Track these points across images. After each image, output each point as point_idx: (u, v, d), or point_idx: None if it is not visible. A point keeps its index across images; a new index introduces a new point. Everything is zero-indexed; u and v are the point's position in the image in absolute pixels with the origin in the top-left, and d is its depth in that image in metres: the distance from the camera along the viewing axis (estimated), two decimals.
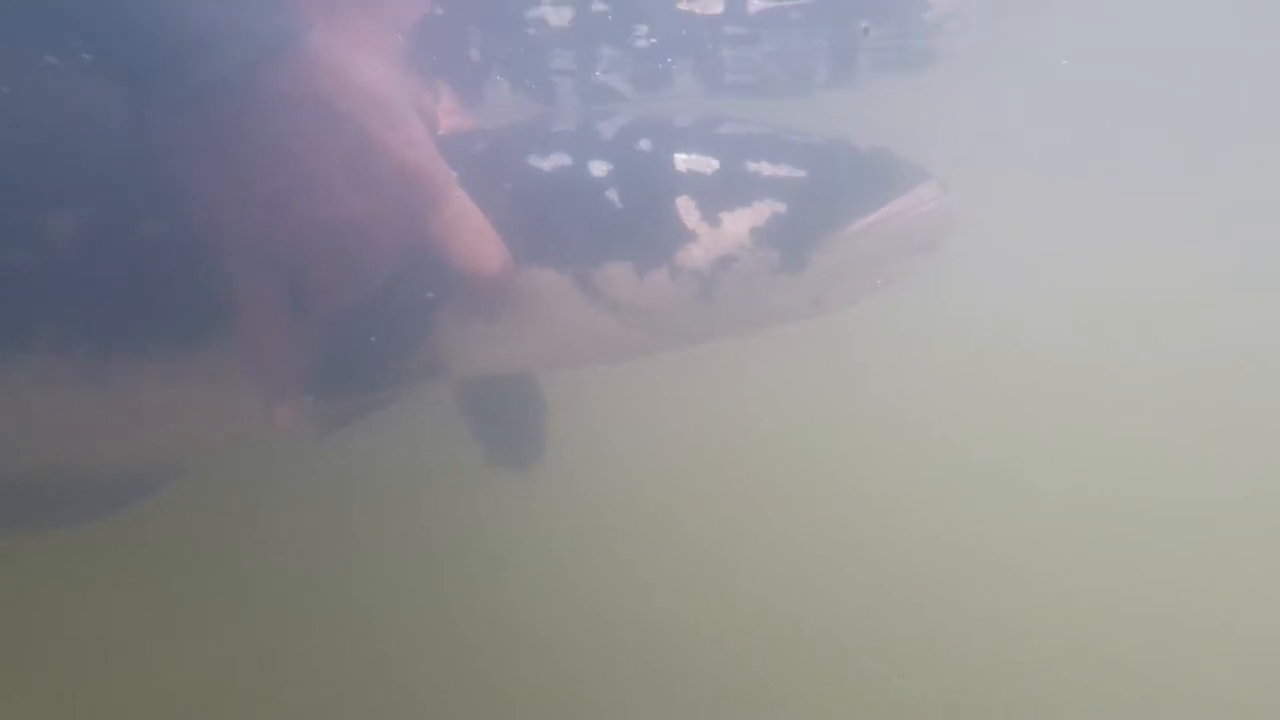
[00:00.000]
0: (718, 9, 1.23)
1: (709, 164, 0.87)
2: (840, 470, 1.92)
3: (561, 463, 1.48)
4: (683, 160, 0.87)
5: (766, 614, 1.66)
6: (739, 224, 0.86)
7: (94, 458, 0.96)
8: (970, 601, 1.71)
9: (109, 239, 0.84)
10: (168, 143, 0.74)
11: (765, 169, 0.88)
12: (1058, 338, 2.32)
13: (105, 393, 0.87)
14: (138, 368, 0.87)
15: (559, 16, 1.16)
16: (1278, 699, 1.62)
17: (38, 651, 1.39)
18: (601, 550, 1.68)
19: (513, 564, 1.63)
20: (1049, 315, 2.37)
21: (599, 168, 0.87)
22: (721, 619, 1.63)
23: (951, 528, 1.83)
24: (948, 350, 2.23)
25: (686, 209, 0.86)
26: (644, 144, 0.88)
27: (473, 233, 0.82)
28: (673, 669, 1.56)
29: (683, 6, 1.21)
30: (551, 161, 0.88)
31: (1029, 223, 2.55)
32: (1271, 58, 2.56)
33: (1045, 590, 1.75)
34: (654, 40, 1.27)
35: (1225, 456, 2.07)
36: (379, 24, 0.91)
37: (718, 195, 0.86)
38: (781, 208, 0.87)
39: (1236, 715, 1.62)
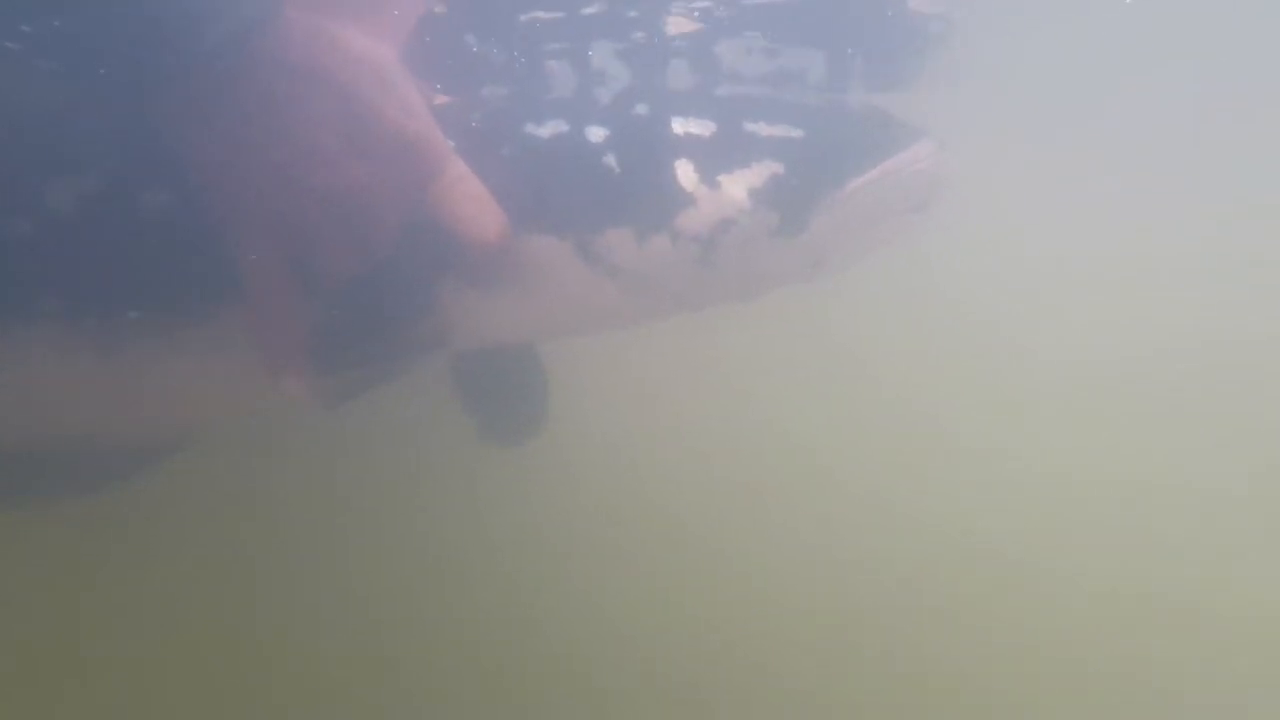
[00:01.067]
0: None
1: (706, 127, 0.87)
2: (838, 459, 1.91)
3: (556, 446, 1.48)
4: (680, 123, 0.87)
5: (764, 598, 1.66)
6: (738, 186, 0.86)
7: (100, 429, 0.96)
8: (966, 588, 1.72)
9: (113, 210, 0.84)
10: (168, 113, 0.75)
11: (762, 130, 0.87)
12: (1051, 326, 2.31)
13: (112, 363, 0.88)
14: (144, 338, 0.88)
15: (553, 30, 1.14)
16: (1263, 682, 1.64)
17: (26, 632, 1.39)
18: (596, 534, 1.69)
19: (508, 548, 1.63)
20: (1043, 304, 2.36)
21: (597, 134, 0.87)
22: (718, 605, 1.63)
23: (949, 515, 1.83)
24: (944, 338, 2.22)
25: (685, 173, 0.86)
26: (641, 108, 0.88)
27: (470, 200, 0.82)
28: (669, 655, 1.57)
29: (672, 30, 1.19)
30: (549, 129, 0.88)
31: (1023, 212, 2.53)
32: (1271, 51, 2.51)
33: (1044, 581, 1.75)
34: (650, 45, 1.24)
35: (1220, 446, 2.06)
36: (377, 13, 0.90)
37: (716, 158, 0.86)
38: (779, 168, 0.86)
39: (1229, 701, 1.64)
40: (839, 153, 0.89)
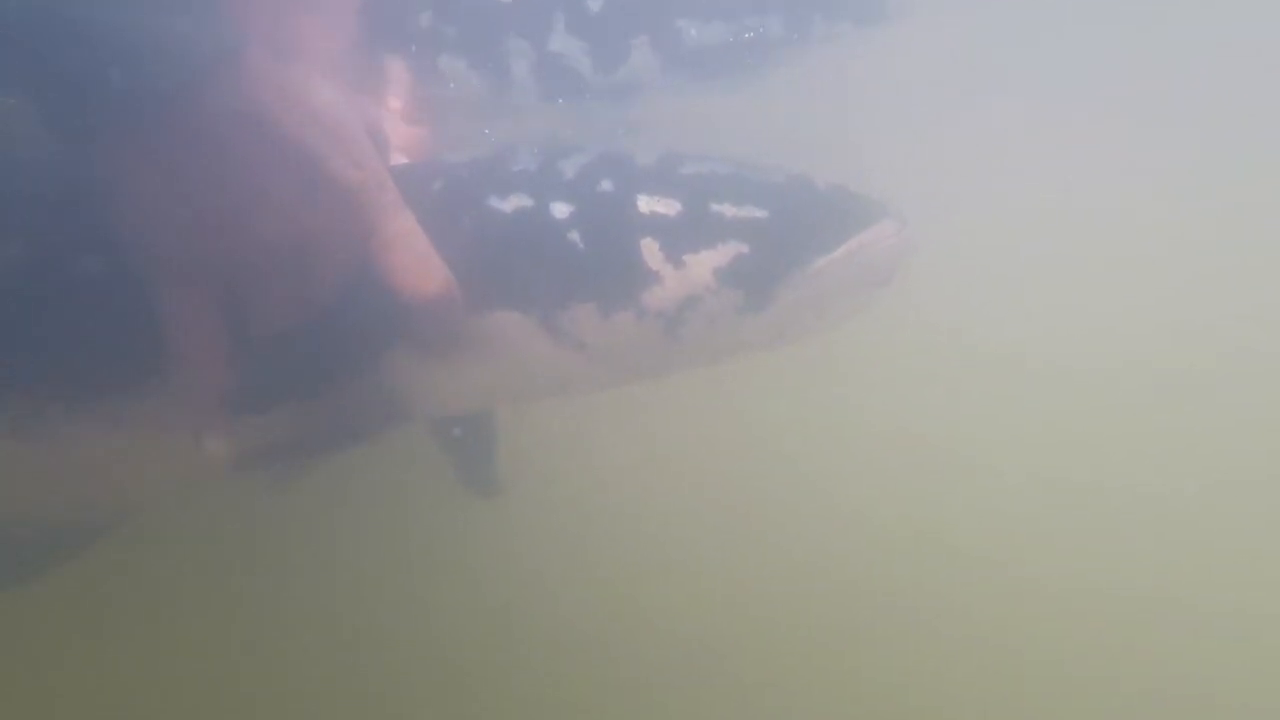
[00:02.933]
0: None
1: (671, 205, 0.87)
2: (830, 483, 1.89)
3: (542, 482, 1.46)
4: (645, 201, 0.87)
5: (761, 633, 1.64)
6: (703, 265, 0.87)
7: (21, 515, 0.91)
8: (964, 601, 1.70)
9: (43, 276, 0.80)
10: (100, 166, 0.71)
11: (728, 210, 0.88)
12: (1044, 331, 2.31)
13: (39, 447, 0.84)
14: (76, 417, 0.83)
15: None
16: (1251, 682, 1.65)
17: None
18: (587, 571, 1.65)
19: (497, 586, 1.60)
20: (1036, 318, 2.37)
21: (561, 209, 0.87)
22: (714, 639, 1.61)
23: (945, 528, 1.82)
24: (934, 346, 2.21)
25: (650, 251, 0.86)
26: (606, 184, 0.88)
27: (413, 256, 0.80)
28: (664, 693, 1.55)
29: None
30: (512, 203, 0.87)
31: (1012, 224, 2.54)
32: (1265, 50, 2.54)
33: (1044, 590, 1.74)
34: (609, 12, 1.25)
35: (1220, 451, 2.07)
36: (325, 23, 0.88)
37: (681, 237, 0.87)
38: (744, 248, 0.87)
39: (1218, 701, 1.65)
40: (804, 232, 0.90)
